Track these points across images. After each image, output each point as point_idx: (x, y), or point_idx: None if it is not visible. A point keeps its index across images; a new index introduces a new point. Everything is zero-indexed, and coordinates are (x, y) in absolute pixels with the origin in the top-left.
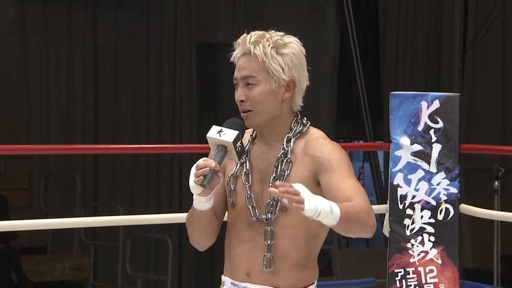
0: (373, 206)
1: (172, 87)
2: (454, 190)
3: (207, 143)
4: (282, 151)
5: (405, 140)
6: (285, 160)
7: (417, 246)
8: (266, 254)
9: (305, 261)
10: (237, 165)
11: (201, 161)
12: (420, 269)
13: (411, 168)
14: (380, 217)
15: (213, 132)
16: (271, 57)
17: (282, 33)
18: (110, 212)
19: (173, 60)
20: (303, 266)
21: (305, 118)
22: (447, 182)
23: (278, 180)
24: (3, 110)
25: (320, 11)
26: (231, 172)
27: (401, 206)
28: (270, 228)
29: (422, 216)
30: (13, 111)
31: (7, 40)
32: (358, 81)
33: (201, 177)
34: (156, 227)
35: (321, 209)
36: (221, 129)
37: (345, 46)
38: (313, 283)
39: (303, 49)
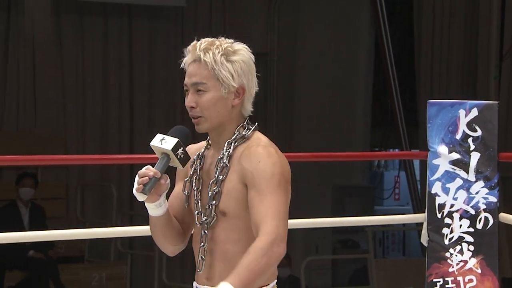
0: (410, 216)
1: None
2: (493, 199)
3: None
4: (220, 156)
5: (443, 149)
6: (222, 165)
7: (456, 255)
8: (199, 256)
9: None
10: (192, 170)
11: (143, 169)
12: (460, 278)
13: (449, 176)
14: (416, 226)
15: (156, 141)
16: (221, 64)
17: (231, 40)
18: (146, 222)
19: None
20: None
21: (255, 124)
22: (486, 190)
23: (215, 185)
24: (40, 121)
25: (354, 19)
26: (187, 178)
27: (439, 215)
28: (204, 232)
29: (461, 225)
30: (50, 122)
31: (45, 51)
32: (393, 89)
33: (141, 185)
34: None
35: None
36: (163, 137)
37: (380, 53)
38: (268, 284)
39: (252, 56)
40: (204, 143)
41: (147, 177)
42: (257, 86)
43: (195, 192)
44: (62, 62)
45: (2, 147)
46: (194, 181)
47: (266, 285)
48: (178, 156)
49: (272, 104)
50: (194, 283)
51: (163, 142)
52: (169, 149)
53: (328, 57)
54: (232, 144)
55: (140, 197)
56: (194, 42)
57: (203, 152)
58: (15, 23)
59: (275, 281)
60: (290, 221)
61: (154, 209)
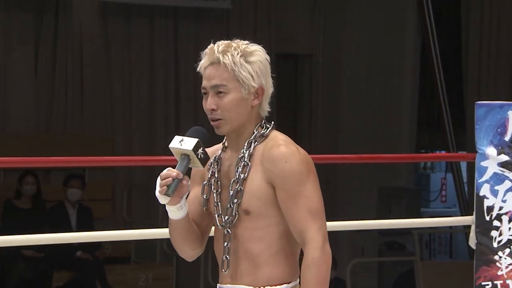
0: (458, 218)
1: None
2: None
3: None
4: (241, 155)
5: (491, 151)
6: (243, 164)
7: (505, 258)
8: (223, 256)
9: (287, 256)
10: (209, 174)
11: (165, 171)
12: (509, 282)
13: (498, 179)
14: (463, 228)
15: (175, 142)
16: (240, 65)
17: (247, 42)
18: None
19: None
20: (285, 261)
21: (272, 122)
22: None
23: (236, 184)
24: (87, 122)
25: (401, 19)
26: (205, 182)
27: (488, 218)
28: (227, 231)
29: (510, 228)
30: (97, 123)
31: (92, 52)
32: (439, 90)
33: (165, 187)
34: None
35: None
36: (182, 139)
37: (426, 53)
38: (289, 282)
39: (268, 57)
40: (218, 146)
41: (170, 178)
42: (272, 86)
43: (214, 195)
44: (109, 64)
45: (50, 149)
46: (212, 184)
47: (289, 283)
48: (199, 156)
49: (317, 106)
50: (218, 285)
51: (183, 143)
52: (189, 149)
53: (374, 58)
54: (252, 143)
55: (163, 200)
56: (211, 45)
57: (220, 154)
58: (63, 25)
59: (298, 280)
60: (336, 223)
61: (176, 211)
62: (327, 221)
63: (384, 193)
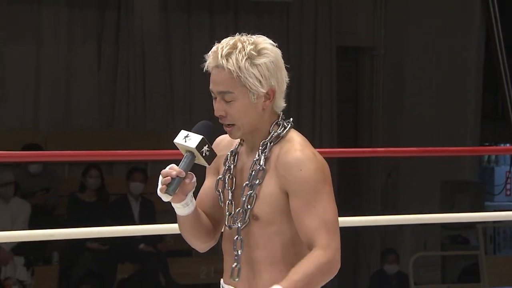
0: None
1: (312, 92)
2: None
3: (350, 147)
4: (257, 158)
5: None
6: (258, 169)
7: None
8: (233, 264)
9: (288, 266)
10: (225, 168)
11: (166, 168)
12: None
13: None
14: None
15: (180, 138)
16: (246, 70)
17: (253, 39)
18: None
19: (313, 64)
20: (286, 271)
21: (290, 119)
22: None
23: (250, 188)
24: (149, 116)
25: (464, 10)
26: (219, 176)
27: None
28: (239, 238)
29: None
30: (159, 117)
31: (153, 48)
32: (504, 83)
33: (164, 186)
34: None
35: None
36: (188, 134)
37: (490, 46)
38: None
39: (279, 51)
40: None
41: (169, 177)
42: (287, 77)
43: (229, 192)
44: (170, 58)
45: (113, 143)
46: (227, 180)
47: None
48: (203, 154)
49: (378, 99)
50: (222, 281)
51: (187, 140)
52: (193, 147)
53: (437, 50)
54: (268, 144)
55: (164, 198)
56: (215, 47)
57: (237, 148)
58: (125, 21)
59: None
60: (398, 217)
61: (181, 208)
62: (389, 214)
63: (448, 187)
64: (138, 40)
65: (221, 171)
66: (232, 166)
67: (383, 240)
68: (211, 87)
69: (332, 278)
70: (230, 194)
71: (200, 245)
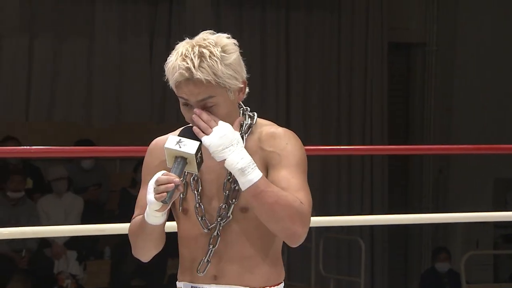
0: None
1: (363, 88)
2: None
3: (400, 144)
4: None
5: None
6: None
7: None
8: (204, 258)
9: (273, 260)
10: (185, 172)
11: (161, 176)
12: None
13: None
14: None
15: (172, 143)
16: (223, 74)
17: (212, 39)
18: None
19: (364, 60)
20: (270, 265)
21: (248, 109)
22: None
23: (232, 183)
24: None
25: None
26: (181, 178)
27: None
28: (218, 233)
29: None
30: None
31: None
32: None
33: (164, 193)
34: (347, 228)
35: (228, 158)
36: (180, 139)
37: None
38: (281, 282)
39: (235, 41)
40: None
41: (172, 184)
42: (245, 66)
43: (196, 195)
44: None
45: None
46: (191, 182)
47: (280, 283)
48: (197, 161)
49: (429, 95)
50: (185, 284)
51: (182, 145)
52: (192, 153)
53: (490, 46)
54: (244, 136)
55: (156, 206)
56: (180, 59)
57: None
58: (177, 16)
59: (283, 283)
60: (450, 215)
61: (160, 217)
62: (440, 212)
63: (500, 185)
64: (190, 35)
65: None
66: None
67: (434, 238)
68: (186, 98)
69: (297, 229)
70: (196, 197)
71: (153, 253)
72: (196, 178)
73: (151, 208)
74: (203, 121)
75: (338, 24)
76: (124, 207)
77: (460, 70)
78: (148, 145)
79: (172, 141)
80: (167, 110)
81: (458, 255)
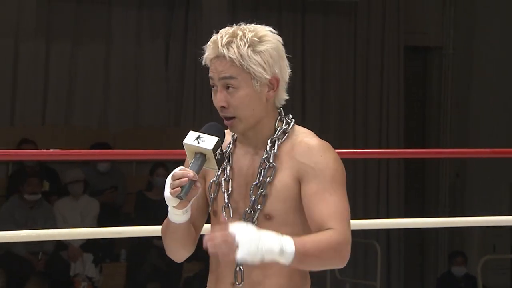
0: None
1: (379, 91)
2: None
3: (417, 147)
4: (266, 156)
5: None
6: (268, 165)
7: None
8: (237, 267)
9: (291, 269)
10: (219, 171)
11: (177, 170)
12: None
13: None
14: None
15: (191, 139)
16: (249, 58)
17: (253, 27)
18: None
19: (380, 64)
20: (292, 274)
21: (290, 116)
22: None
23: (260, 188)
24: (216, 114)
25: None
26: (213, 179)
27: None
28: None
29: None
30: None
31: None
32: None
33: (178, 188)
34: (363, 232)
35: (265, 252)
36: (199, 135)
37: None
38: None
39: (280, 38)
40: (226, 137)
41: (186, 179)
42: (289, 69)
43: (225, 196)
44: None
45: (180, 142)
46: (222, 183)
47: None
48: (217, 157)
49: (446, 99)
50: None
51: (200, 141)
52: (209, 148)
53: (507, 50)
54: (276, 142)
55: (172, 202)
56: (214, 36)
57: (230, 149)
58: (193, 20)
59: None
60: (466, 219)
61: (180, 215)
62: (457, 215)
63: None
64: (206, 39)
65: (212, 175)
66: (227, 168)
67: (450, 242)
68: (211, 75)
69: (339, 265)
70: (226, 198)
71: (185, 254)
72: (228, 178)
73: (169, 204)
74: (223, 247)
75: (354, 28)
76: (140, 210)
77: (476, 74)
78: (163, 148)
79: (191, 136)
80: (183, 114)
81: (475, 259)
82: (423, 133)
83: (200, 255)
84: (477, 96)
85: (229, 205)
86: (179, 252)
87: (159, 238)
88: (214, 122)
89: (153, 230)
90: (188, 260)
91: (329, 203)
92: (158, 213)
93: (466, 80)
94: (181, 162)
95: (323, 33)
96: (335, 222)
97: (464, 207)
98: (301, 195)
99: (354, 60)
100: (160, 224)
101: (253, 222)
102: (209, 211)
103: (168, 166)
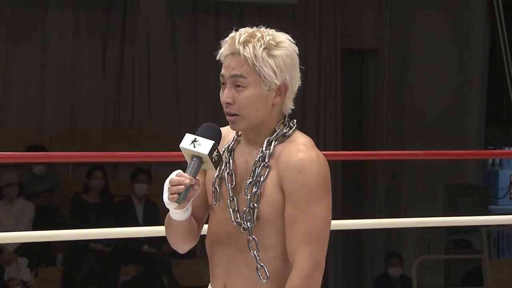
0: None
1: (316, 94)
2: None
3: (354, 150)
4: (260, 155)
5: None
6: (262, 165)
7: None
8: (257, 265)
9: (282, 273)
10: (221, 165)
11: (174, 176)
12: None
13: None
14: None
15: (187, 142)
16: (262, 60)
17: (273, 31)
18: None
19: (318, 66)
20: (280, 276)
21: (294, 121)
22: None
23: (254, 186)
24: (154, 118)
25: (469, 13)
26: (216, 173)
27: None
28: (253, 238)
29: None
30: (164, 119)
31: (158, 49)
32: (509, 86)
33: (176, 194)
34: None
35: None
36: (195, 138)
37: (495, 48)
38: None
39: (296, 48)
40: (227, 130)
41: (183, 186)
42: (300, 80)
43: (229, 189)
44: (175, 61)
45: (117, 145)
46: (226, 177)
47: None
48: (213, 160)
49: (382, 101)
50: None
51: (196, 145)
52: (205, 153)
53: (441, 53)
54: (273, 142)
55: (172, 206)
56: (233, 33)
57: (233, 145)
58: (130, 22)
59: None
60: (402, 220)
61: (180, 214)
62: (393, 217)
63: (451, 190)
64: (144, 41)
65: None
66: (230, 162)
67: (387, 243)
68: (222, 72)
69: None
70: (231, 191)
71: (186, 247)
72: (230, 172)
73: (168, 208)
74: None
75: (292, 30)
76: (76, 213)
77: (411, 76)
78: (100, 151)
79: (187, 140)
80: (121, 117)
81: (410, 260)
82: (360, 135)
83: (138, 259)
84: (412, 98)
85: (234, 198)
86: (180, 245)
87: (95, 241)
88: (209, 123)
89: (90, 233)
90: (125, 263)
91: (299, 226)
92: (94, 216)
93: (401, 82)
94: (119, 165)
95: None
96: (302, 250)
97: (400, 208)
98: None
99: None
100: (96, 227)
101: (252, 222)
102: (211, 204)
103: (104, 168)
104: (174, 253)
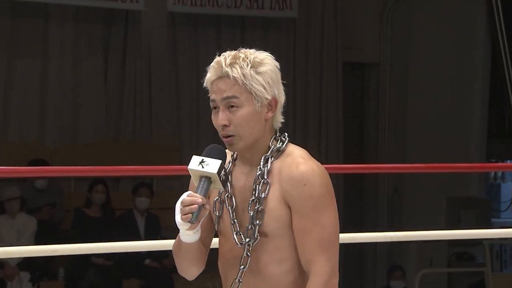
0: None
1: (318, 107)
2: None
3: (356, 163)
4: (259, 172)
5: None
6: (262, 182)
7: None
8: (236, 279)
9: (298, 284)
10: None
11: (186, 197)
12: None
13: None
14: None
15: (195, 164)
16: (251, 77)
17: (253, 50)
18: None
19: (319, 80)
20: (303, 286)
21: (285, 134)
22: None
23: (256, 203)
24: (156, 131)
25: (470, 28)
26: (216, 198)
27: None
28: (248, 254)
29: None
30: (165, 132)
31: (160, 62)
32: (510, 99)
33: (189, 214)
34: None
35: None
36: (203, 159)
37: (497, 61)
38: None
39: (277, 64)
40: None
41: (196, 205)
42: (284, 95)
43: (230, 211)
44: (177, 74)
45: (119, 158)
46: (226, 200)
47: None
48: (221, 179)
49: (384, 115)
50: None
51: (205, 165)
52: (214, 172)
53: (443, 67)
54: (269, 159)
55: (185, 226)
56: (217, 58)
57: (230, 168)
58: (132, 36)
59: None
60: (404, 233)
61: (192, 235)
62: (395, 230)
63: (454, 203)
64: (145, 55)
65: (215, 194)
66: (228, 185)
67: (389, 256)
68: (213, 97)
69: None
70: (231, 214)
71: (196, 271)
72: (229, 195)
73: (181, 228)
74: None
75: (293, 44)
76: (78, 227)
77: (412, 90)
78: (102, 164)
79: (195, 161)
80: (122, 130)
81: (413, 273)
82: (362, 149)
83: (140, 273)
84: (413, 111)
85: (235, 221)
86: (191, 270)
87: (97, 255)
88: (214, 144)
89: (91, 247)
90: (127, 277)
91: (312, 235)
92: (96, 230)
93: (402, 96)
94: (121, 178)
95: (262, 49)
96: (318, 258)
97: (402, 222)
98: (293, 226)
99: (293, 76)
100: (98, 241)
101: (255, 238)
102: (216, 228)
103: (106, 182)
104: (176, 267)
